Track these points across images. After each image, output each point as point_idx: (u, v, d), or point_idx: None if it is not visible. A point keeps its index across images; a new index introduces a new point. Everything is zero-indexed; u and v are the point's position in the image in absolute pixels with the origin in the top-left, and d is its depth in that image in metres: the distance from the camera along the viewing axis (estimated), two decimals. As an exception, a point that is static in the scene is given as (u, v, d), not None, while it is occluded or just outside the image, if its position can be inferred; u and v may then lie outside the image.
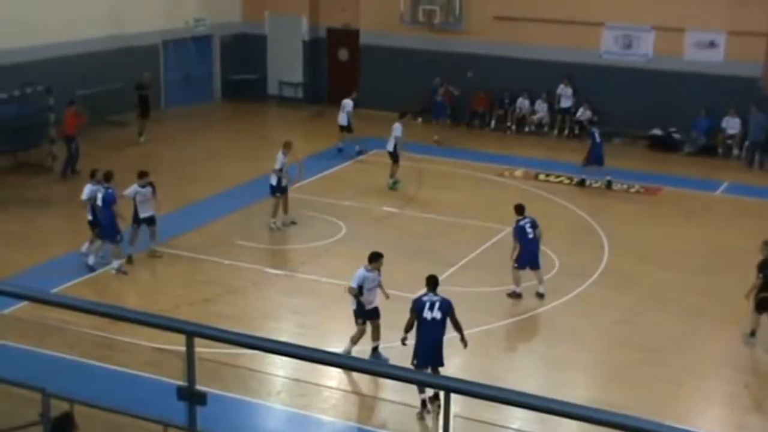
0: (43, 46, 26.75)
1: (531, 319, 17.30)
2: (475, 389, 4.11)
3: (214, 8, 32.71)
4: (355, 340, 15.17)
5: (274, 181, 20.86)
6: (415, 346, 13.73)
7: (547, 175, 25.65)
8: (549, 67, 29.47)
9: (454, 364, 14.41)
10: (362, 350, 15.14)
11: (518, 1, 29.75)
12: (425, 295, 13.79)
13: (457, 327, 13.69)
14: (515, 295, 17.72)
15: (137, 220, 18.92)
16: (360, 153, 26.82)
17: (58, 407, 10.63)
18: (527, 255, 17.64)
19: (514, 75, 29.87)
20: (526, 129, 30.23)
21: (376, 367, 4.31)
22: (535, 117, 30.18)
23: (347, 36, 32.57)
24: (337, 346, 14.93)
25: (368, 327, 15.22)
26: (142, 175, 18.93)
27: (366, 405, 14.31)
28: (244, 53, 33.62)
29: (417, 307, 13.66)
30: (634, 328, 16.86)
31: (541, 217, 20.73)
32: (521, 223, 17.78)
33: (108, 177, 18.61)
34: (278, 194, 20.91)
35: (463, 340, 13.74)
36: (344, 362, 4.47)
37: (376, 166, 25.26)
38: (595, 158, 24.46)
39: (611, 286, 18.58)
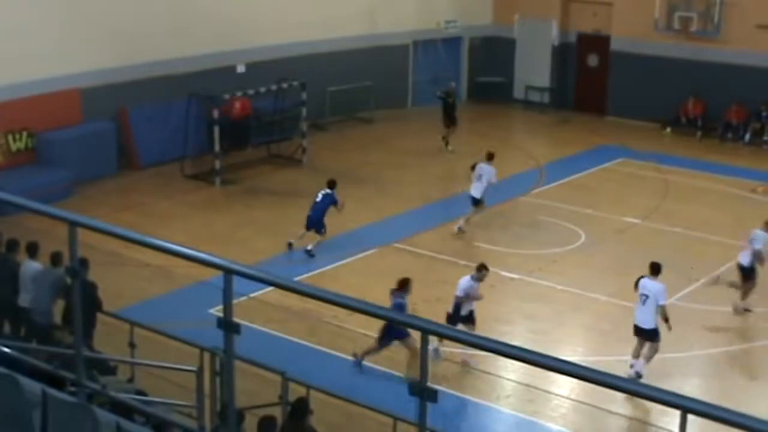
0: (299, 43, 27.88)
1: (776, 345, 16.45)
2: (714, 412, 3.93)
3: (465, 11, 32.97)
4: None
5: None
6: None
7: (804, 194, 24.26)
8: (813, 80, 27.87)
9: (692, 384, 13.93)
10: (595, 362, 14.91)
11: (783, 9, 28.32)
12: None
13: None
14: None
15: None
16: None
17: (295, 391, 11.09)
18: None
19: (775, 87, 28.43)
20: (784, 144, 28.76)
21: (609, 379, 4.21)
22: (795, 132, 28.64)
23: (598, 42, 32.04)
24: (570, 355, 14.76)
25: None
26: (331, 183, 19.68)
27: (595, 417, 14.04)
28: (492, 56, 33.68)
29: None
30: None
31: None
32: None
33: (332, 184, 19.63)
34: None
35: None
36: (577, 371, 4.39)
37: (620, 176, 24.71)
38: None
39: None
